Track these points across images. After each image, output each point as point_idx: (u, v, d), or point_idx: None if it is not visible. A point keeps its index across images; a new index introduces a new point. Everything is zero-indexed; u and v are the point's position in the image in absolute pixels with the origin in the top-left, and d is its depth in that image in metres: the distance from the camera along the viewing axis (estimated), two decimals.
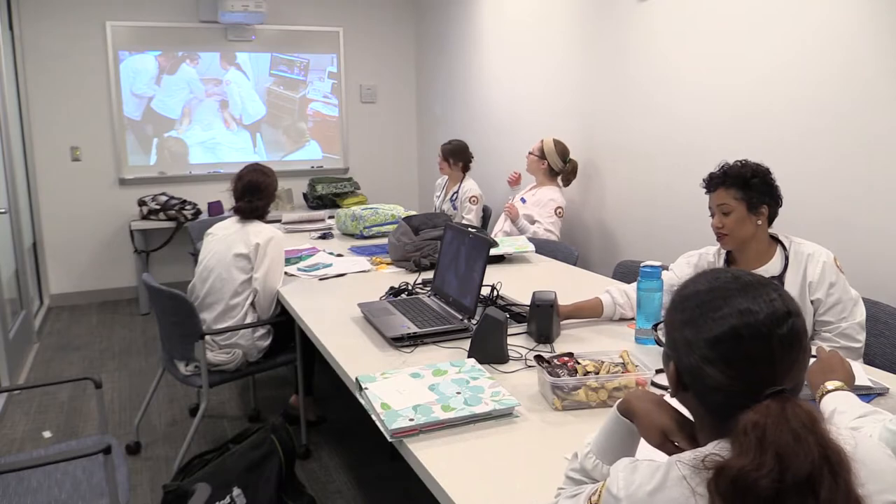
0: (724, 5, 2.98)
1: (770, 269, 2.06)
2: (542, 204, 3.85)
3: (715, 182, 2.07)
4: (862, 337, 2.01)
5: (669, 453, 0.97)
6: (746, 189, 2.02)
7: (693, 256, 2.25)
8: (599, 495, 0.91)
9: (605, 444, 1.07)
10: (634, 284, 2.18)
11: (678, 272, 2.23)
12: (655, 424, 1.00)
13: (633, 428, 1.05)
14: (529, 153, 3.98)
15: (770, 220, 2.06)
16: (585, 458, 1.08)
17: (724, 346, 0.86)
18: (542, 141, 3.94)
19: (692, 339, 0.89)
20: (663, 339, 1.00)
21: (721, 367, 0.86)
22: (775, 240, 2.09)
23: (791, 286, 2.04)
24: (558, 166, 3.91)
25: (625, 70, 3.62)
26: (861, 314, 2.02)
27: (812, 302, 2.03)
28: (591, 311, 2.22)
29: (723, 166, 2.07)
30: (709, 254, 2.21)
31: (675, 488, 0.82)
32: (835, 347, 1.89)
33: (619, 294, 2.23)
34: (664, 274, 2.22)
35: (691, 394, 0.92)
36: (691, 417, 0.98)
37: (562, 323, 2.13)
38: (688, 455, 0.86)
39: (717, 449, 0.85)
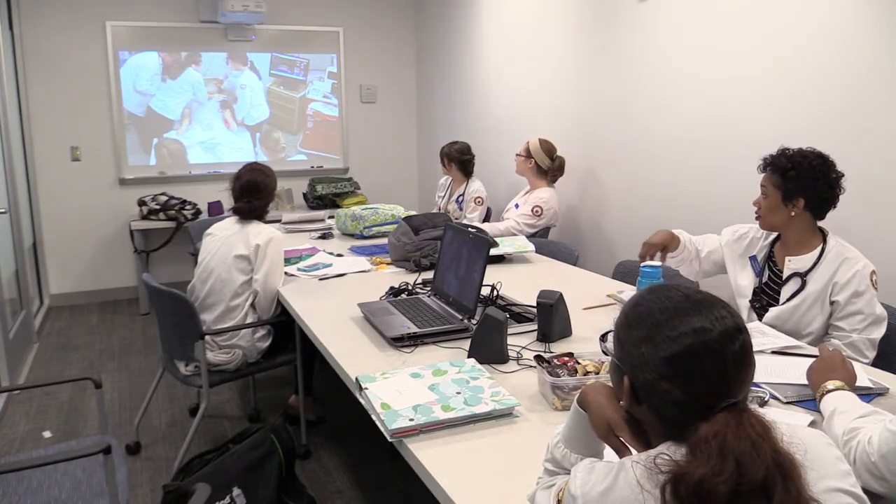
0: (724, 5, 2.98)
1: (805, 260, 2.08)
2: (529, 204, 3.86)
3: (764, 164, 2.12)
4: (871, 354, 1.98)
5: (614, 447, 1.02)
6: (784, 179, 2.04)
7: (743, 228, 2.32)
8: (564, 492, 0.97)
9: (569, 435, 1.11)
10: (702, 238, 2.35)
11: (722, 240, 2.34)
12: (603, 418, 1.04)
13: None
14: (517, 155, 3.99)
15: (815, 214, 2.06)
16: (555, 447, 1.13)
17: (681, 364, 0.90)
18: (527, 142, 3.95)
19: (649, 355, 0.93)
20: (612, 351, 1.03)
21: (678, 382, 0.90)
22: (824, 236, 2.10)
23: (816, 282, 2.04)
24: (545, 164, 3.91)
25: (625, 70, 3.62)
26: (878, 333, 1.98)
27: (832, 303, 2.02)
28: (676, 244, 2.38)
29: (779, 150, 2.10)
30: (757, 230, 2.26)
31: (626, 487, 0.88)
32: (824, 344, 1.89)
33: (688, 239, 2.38)
34: (710, 237, 2.34)
35: (645, 407, 0.96)
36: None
37: (572, 324, 2.14)
38: (641, 456, 0.91)
39: (666, 450, 0.90)
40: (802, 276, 2.07)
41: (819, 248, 2.07)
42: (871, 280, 2.00)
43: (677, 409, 0.91)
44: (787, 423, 0.93)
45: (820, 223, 2.12)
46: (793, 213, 2.05)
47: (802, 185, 2.02)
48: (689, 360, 0.90)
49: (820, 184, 2.01)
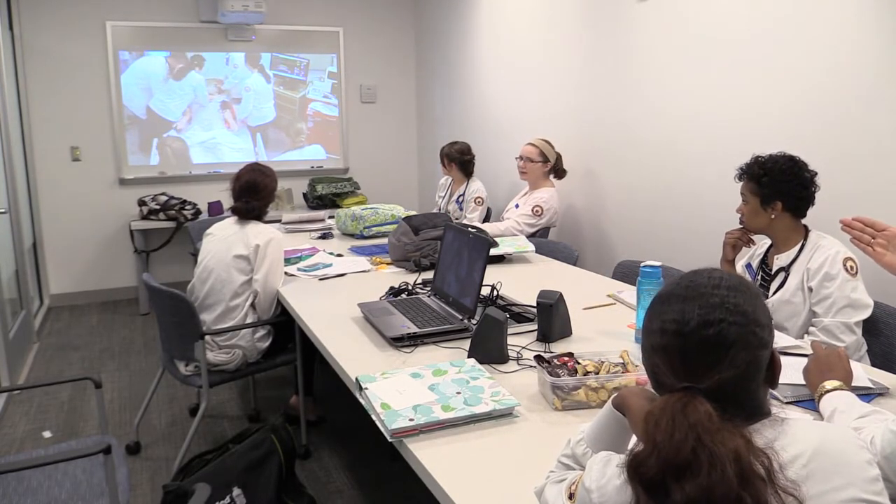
0: (725, 5, 2.98)
1: (788, 255, 2.19)
2: (529, 203, 3.86)
3: (740, 173, 2.24)
4: (847, 338, 2.03)
5: None
6: (759, 185, 2.16)
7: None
8: (577, 486, 0.96)
9: (597, 436, 1.11)
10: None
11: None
12: None
13: (626, 423, 1.08)
14: (529, 161, 3.90)
15: (795, 213, 2.17)
16: (577, 444, 1.12)
17: (657, 340, 0.95)
18: (533, 146, 3.90)
19: (644, 333, 0.99)
20: None
21: (650, 355, 0.96)
22: (807, 232, 2.20)
23: (796, 272, 2.15)
24: (554, 158, 3.93)
25: (625, 70, 3.62)
26: (854, 317, 2.04)
27: (809, 290, 2.11)
28: None
29: (752, 159, 2.21)
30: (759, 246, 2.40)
31: None
32: (817, 341, 1.94)
33: None
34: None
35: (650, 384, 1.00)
36: None
37: (572, 324, 2.13)
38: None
39: None
40: (786, 269, 2.18)
41: (801, 243, 2.18)
42: (846, 266, 2.06)
43: (659, 383, 0.95)
44: (821, 423, 0.92)
45: (804, 221, 2.22)
46: (773, 216, 2.18)
47: (777, 188, 2.14)
48: (659, 335, 0.94)
49: (793, 185, 2.13)
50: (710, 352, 0.91)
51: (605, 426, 1.10)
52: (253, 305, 2.82)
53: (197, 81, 5.56)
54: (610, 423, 1.09)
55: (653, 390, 1.05)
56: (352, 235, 3.79)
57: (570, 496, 0.98)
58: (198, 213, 5.30)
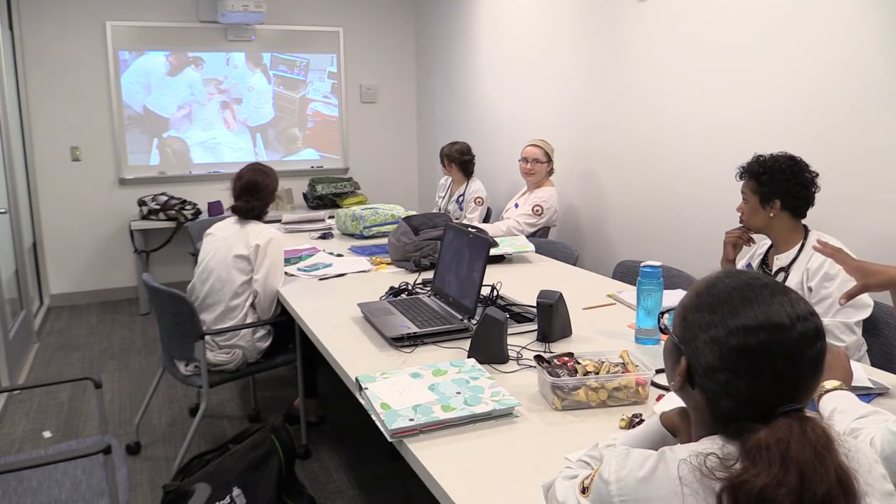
0: (725, 6, 2.98)
1: (788, 255, 2.20)
2: (529, 203, 3.86)
3: (741, 171, 2.26)
4: (847, 338, 2.04)
5: None
6: (759, 183, 2.18)
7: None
8: (592, 479, 0.93)
9: (634, 445, 1.07)
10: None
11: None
12: None
13: (670, 440, 1.06)
14: (538, 162, 3.89)
15: (794, 213, 2.18)
16: (607, 448, 1.10)
17: (753, 359, 0.86)
18: (537, 147, 3.91)
19: (719, 341, 0.88)
20: (670, 329, 0.98)
21: (745, 377, 0.86)
22: (806, 232, 2.21)
23: (796, 272, 2.16)
24: (553, 157, 3.94)
25: (625, 70, 3.62)
26: (854, 317, 2.05)
27: (809, 290, 2.11)
28: None
29: (753, 158, 2.22)
30: (760, 245, 2.40)
31: (665, 481, 0.84)
32: None
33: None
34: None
35: (698, 392, 0.92)
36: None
37: (572, 324, 2.13)
38: (683, 451, 0.86)
39: (713, 447, 0.86)
40: (786, 269, 2.19)
41: (800, 243, 2.19)
42: None
43: (734, 403, 0.87)
44: (847, 438, 0.91)
45: (804, 221, 2.22)
46: (772, 215, 2.19)
47: (776, 187, 2.15)
48: (762, 358, 0.85)
49: (793, 184, 2.14)
50: (816, 372, 0.87)
51: (648, 439, 1.06)
52: (253, 305, 2.82)
53: (192, 78, 5.55)
54: (653, 439, 1.06)
55: (683, 405, 1.01)
56: (352, 235, 3.79)
57: (584, 490, 0.95)
58: (198, 213, 5.30)
